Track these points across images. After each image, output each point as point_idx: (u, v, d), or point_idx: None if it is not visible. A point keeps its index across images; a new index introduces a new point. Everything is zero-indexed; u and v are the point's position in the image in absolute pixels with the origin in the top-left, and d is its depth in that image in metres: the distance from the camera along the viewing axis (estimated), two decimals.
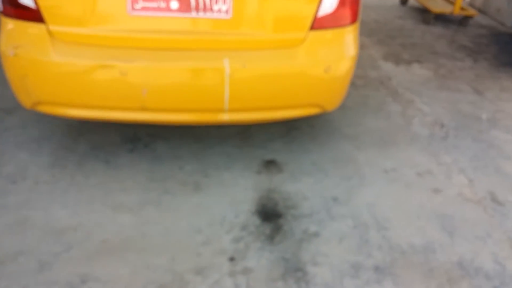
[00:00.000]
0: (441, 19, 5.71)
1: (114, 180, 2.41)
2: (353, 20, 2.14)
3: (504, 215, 2.31)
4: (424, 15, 5.61)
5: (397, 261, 1.98)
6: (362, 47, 4.54)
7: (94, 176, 2.43)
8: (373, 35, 5.01)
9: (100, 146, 2.69)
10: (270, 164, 2.60)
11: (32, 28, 1.99)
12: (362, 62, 4.15)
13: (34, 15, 1.96)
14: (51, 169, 2.47)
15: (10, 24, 2.02)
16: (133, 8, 1.94)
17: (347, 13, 2.08)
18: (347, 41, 2.16)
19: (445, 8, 5.49)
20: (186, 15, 1.95)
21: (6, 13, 2.02)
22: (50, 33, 1.99)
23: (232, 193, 2.35)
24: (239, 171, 2.52)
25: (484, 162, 2.75)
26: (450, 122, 3.19)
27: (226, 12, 1.96)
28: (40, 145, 2.66)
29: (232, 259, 1.95)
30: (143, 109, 2.10)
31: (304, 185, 2.44)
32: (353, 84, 3.63)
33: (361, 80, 3.78)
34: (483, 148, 2.89)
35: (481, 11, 6.08)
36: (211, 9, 1.95)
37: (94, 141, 2.73)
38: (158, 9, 1.94)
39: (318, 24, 2.05)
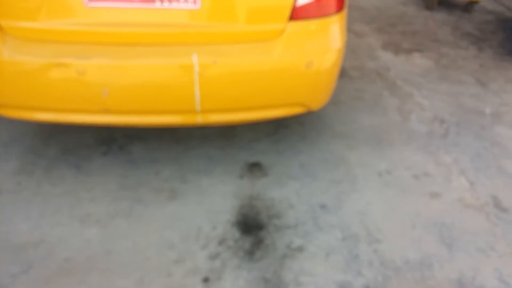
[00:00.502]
0: (445, 4, 5.43)
1: (84, 188, 2.22)
2: (339, 8, 1.91)
3: (508, 224, 2.11)
4: (427, 0, 5.33)
5: (389, 279, 1.79)
6: (360, 35, 4.29)
7: (62, 184, 2.24)
8: (372, 22, 4.75)
9: (72, 149, 2.49)
10: (254, 167, 2.40)
11: None
12: (359, 52, 3.91)
13: None
14: (17, 176, 2.28)
15: None
16: None
17: (331, 1, 1.86)
18: (332, 32, 1.94)
19: None
20: (149, 5, 1.74)
21: None
22: (0, 28, 1.78)
23: (210, 201, 2.15)
24: (219, 176, 2.32)
25: (487, 162, 2.53)
26: (450, 117, 2.96)
27: (194, 2, 1.74)
28: (8, 148, 2.47)
29: (206, 280, 1.76)
30: (106, 111, 1.90)
31: (290, 190, 2.24)
32: (348, 76, 3.41)
33: (357, 71, 3.54)
34: (485, 147, 2.67)
35: None
36: None
37: (66, 143, 2.53)
38: None
39: (298, 13, 1.82)
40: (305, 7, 1.82)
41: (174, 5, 1.74)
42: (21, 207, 2.08)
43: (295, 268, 1.82)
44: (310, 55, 1.89)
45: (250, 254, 1.88)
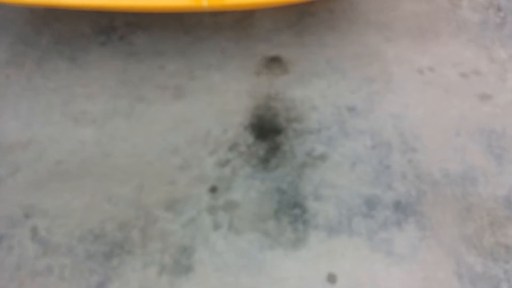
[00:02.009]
0: None
1: (79, 83, 1.96)
2: None
3: None
4: None
5: (425, 195, 1.54)
6: None
7: (55, 77, 1.98)
8: None
9: (67, 39, 2.19)
10: (273, 63, 2.07)
11: None
12: None
13: None
14: (5, 68, 2.03)
15: None
16: None
17: None
18: None
19: None
20: None
21: None
22: None
23: (221, 101, 1.87)
24: (233, 72, 2.01)
25: None
26: (508, 3, 2.47)
27: None
28: None
29: (213, 189, 1.55)
30: None
31: (314, 90, 1.93)
32: None
33: None
34: None
35: None
36: None
37: (60, 32, 2.22)
38: None
39: None
40: None
41: None
42: (9, 103, 1.86)
43: (316, 179, 1.58)
44: None
45: (264, 162, 1.64)
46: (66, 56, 2.10)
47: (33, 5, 1.91)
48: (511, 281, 1.37)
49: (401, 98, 1.89)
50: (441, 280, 1.36)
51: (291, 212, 1.48)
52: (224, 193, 1.54)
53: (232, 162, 1.64)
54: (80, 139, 1.72)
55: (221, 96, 1.90)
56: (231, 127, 1.77)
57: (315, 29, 2.26)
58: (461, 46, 2.17)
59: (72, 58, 2.09)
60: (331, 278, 1.37)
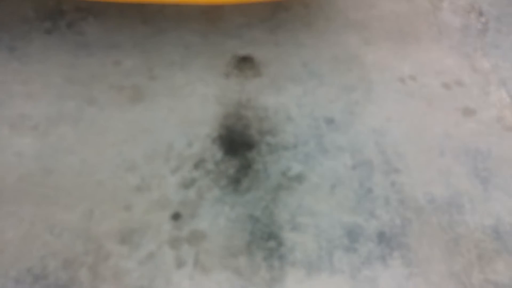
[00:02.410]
0: None
1: (18, 79, 1.68)
2: None
3: None
4: None
5: (410, 224, 1.41)
6: None
7: None
8: None
9: (6, 23, 1.88)
10: (244, 63, 1.86)
11: None
12: None
13: None
14: None
15: None
16: None
17: None
18: None
19: None
20: None
21: None
22: None
23: (185, 107, 1.66)
24: (198, 72, 1.79)
25: None
26: (490, 8, 2.37)
27: None
28: None
29: (176, 216, 1.35)
30: None
31: (289, 97, 1.75)
32: None
33: None
34: None
35: None
36: None
37: None
38: None
39: None
40: None
41: None
42: None
43: (292, 204, 1.41)
44: None
45: (235, 182, 1.45)
46: (4, 44, 1.80)
47: None
48: None
49: (382, 110, 1.75)
50: None
51: (266, 245, 1.31)
52: (189, 221, 1.34)
53: (198, 183, 1.43)
54: (17, 151, 1.46)
55: (185, 101, 1.68)
56: (196, 139, 1.56)
57: (290, 25, 2.06)
58: (443, 53, 2.05)
59: (11, 48, 1.79)
60: None
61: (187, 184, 1.42)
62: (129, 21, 1.96)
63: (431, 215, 1.44)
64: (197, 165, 1.48)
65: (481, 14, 2.31)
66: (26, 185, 1.37)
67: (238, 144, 1.56)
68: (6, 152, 1.45)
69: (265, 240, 1.32)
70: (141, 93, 1.69)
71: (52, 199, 1.35)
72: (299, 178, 1.48)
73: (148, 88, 1.71)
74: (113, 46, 1.85)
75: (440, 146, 1.65)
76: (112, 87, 1.70)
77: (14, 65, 1.73)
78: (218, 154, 1.52)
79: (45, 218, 1.30)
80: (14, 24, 1.89)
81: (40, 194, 1.36)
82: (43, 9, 1.97)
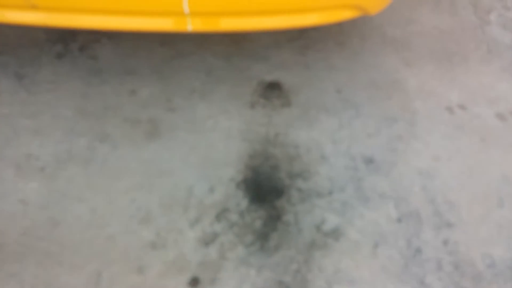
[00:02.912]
0: None
1: (26, 112, 1.54)
2: None
3: None
4: None
5: None
6: None
7: None
8: None
9: (15, 47, 1.74)
10: (271, 90, 1.68)
11: None
12: None
13: None
14: None
15: None
16: None
17: None
18: None
19: None
20: None
21: None
22: None
23: (207, 144, 1.49)
24: (222, 102, 1.62)
25: None
26: None
27: None
28: None
29: (194, 282, 1.18)
30: (33, 7, 1.13)
31: (322, 132, 1.55)
32: None
33: None
34: None
35: None
36: None
37: (7, 40, 1.77)
38: None
39: None
40: None
41: None
42: None
43: (328, 268, 1.23)
44: None
45: (262, 238, 1.27)
46: (12, 71, 1.66)
47: None
48: None
49: (428, 147, 1.54)
50: None
51: None
52: (208, 287, 1.17)
53: (219, 238, 1.26)
54: (22, 198, 1.31)
55: (207, 137, 1.51)
56: (219, 183, 1.39)
57: (321, 45, 1.86)
58: (495, 76, 1.82)
59: (19, 75, 1.65)
60: None
61: (207, 241, 1.25)
62: (146, 42, 1.80)
63: (491, 283, 1.23)
64: (219, 216, 1.31)
65: None
66: (29, 240, 1.23)
67: (266, 189, 1.38)
68: (11, 199, 1.31)
69: None
70: (158, 127, 1.53)
71: (56, 258, 1.20)
72: (335, 233, 1.29)
73: (166, 121, 1.55)
74: (128, 72, 1.69)
75: (498, 192, 1.43)
76: (126, 120, 1.54)
77: (22, 96, 1.59)
78: (243, 202, 1.34)
79: (47, 281, 1.16)
80: (23, 47, 1.75)
81: (44, 250, 1.21)
82: (55, 30, 1.82)
